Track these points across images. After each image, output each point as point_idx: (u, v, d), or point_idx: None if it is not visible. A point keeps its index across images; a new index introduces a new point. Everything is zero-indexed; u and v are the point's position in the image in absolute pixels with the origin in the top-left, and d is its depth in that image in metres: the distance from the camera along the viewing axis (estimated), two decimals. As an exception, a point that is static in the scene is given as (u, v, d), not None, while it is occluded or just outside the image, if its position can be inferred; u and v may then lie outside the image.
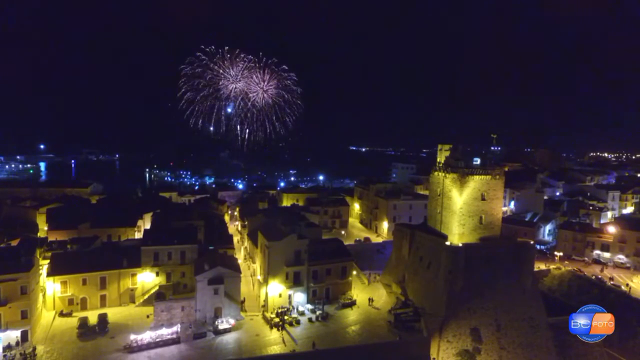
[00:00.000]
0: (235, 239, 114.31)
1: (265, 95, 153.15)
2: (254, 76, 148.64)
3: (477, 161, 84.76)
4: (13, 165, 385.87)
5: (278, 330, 69.77)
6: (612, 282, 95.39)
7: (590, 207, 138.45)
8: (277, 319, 71.84)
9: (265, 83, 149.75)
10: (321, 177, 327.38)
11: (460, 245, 77.95)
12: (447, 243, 78.68)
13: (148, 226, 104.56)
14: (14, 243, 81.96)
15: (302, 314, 75.59)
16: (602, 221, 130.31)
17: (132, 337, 63.37)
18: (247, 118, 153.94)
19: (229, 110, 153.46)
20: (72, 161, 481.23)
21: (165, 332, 65.19)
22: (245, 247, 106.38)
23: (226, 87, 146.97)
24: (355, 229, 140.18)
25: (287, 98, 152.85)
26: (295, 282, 78.49)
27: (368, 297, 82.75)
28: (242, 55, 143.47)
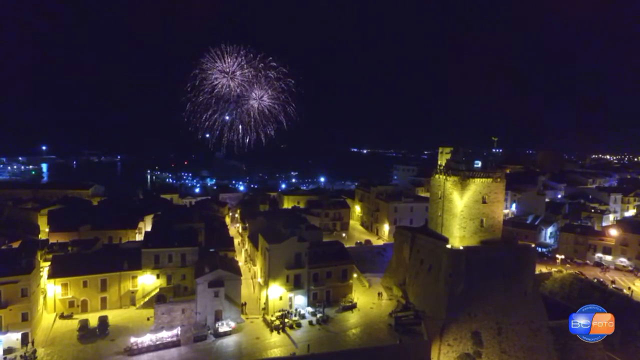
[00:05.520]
0: (236, 241, 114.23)
1: (265, 97, 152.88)
2: (254, 78, 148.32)
3: (478, 164, 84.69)
4: (15, 167, 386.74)
5: (278, 333, 69.72)
6: (614, 286, 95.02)
7: (592, 210, 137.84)
8: (277, 322, 71.79)
9: (267, 85, 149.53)
10: (322, 179, 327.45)
11: (461, 248, 77.86)
12: (448, 246, 78.61)
13: (149, 228, 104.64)
14: (15, 245, 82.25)
15: (302, 316, 75.50)
16: (604, 224, 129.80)
17: (133, 339, 63.36)
18: (246, 121, 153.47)
19: (227, 117, 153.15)
20: (74, 162, 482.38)
21: (166, 335, 65.18)
22: (246, 250, 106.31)
23: (225, 90, 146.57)
24: (356, 232, 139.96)
25: (288, 99, 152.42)
26: (295, 284, 78.41)
27: (376, 292, 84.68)
28: (242, 54, 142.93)
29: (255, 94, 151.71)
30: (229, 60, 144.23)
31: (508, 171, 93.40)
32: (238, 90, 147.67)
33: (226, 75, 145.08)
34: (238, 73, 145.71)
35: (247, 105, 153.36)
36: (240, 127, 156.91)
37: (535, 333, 72.23)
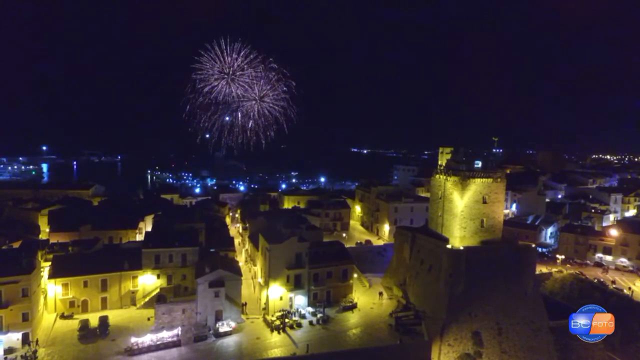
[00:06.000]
0: (237, 241, 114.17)
1: (265, 98, 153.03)
2: (254, 79, 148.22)
3: (479, 164, 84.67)
4: (15, 167, 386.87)
5: (279, 333, 69.76)
6: (614, 286, 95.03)
7: (593, 210, 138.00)
8: (277, 322, 71.83)
9: (267, 86, 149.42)
10: (322, 179, 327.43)
11: (462, 248, 77.86)
12: (448, 246, 78.59)
13: (149, 228, 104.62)
14: (16, 245, 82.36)
15: (303, 317, 75.53)
16: (604, 224, 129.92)
17: (133, 339, 63.39)
18: (246, 122, 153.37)
19: (227, 118, 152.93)
20: (74, 162, 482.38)
21: (166, 335, 65.22)
22: (247, 250, 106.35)
23: (225, 91, 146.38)
24: (356, 232, 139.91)
25: (288, 100, 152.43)
26: (296, 284, 78.43)
27: (377, 292, 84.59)
28: (242, 55, 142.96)
29: (256, 94, 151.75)
30: (229, 60, 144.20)
31: (508, 171, 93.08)
32: (238, 91, 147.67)
33: (226, 76, 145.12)
34: (238, 74, 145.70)
35: (247, 106, 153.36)
36: (240, 127, 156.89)
37: (535, 333, 72.26)
